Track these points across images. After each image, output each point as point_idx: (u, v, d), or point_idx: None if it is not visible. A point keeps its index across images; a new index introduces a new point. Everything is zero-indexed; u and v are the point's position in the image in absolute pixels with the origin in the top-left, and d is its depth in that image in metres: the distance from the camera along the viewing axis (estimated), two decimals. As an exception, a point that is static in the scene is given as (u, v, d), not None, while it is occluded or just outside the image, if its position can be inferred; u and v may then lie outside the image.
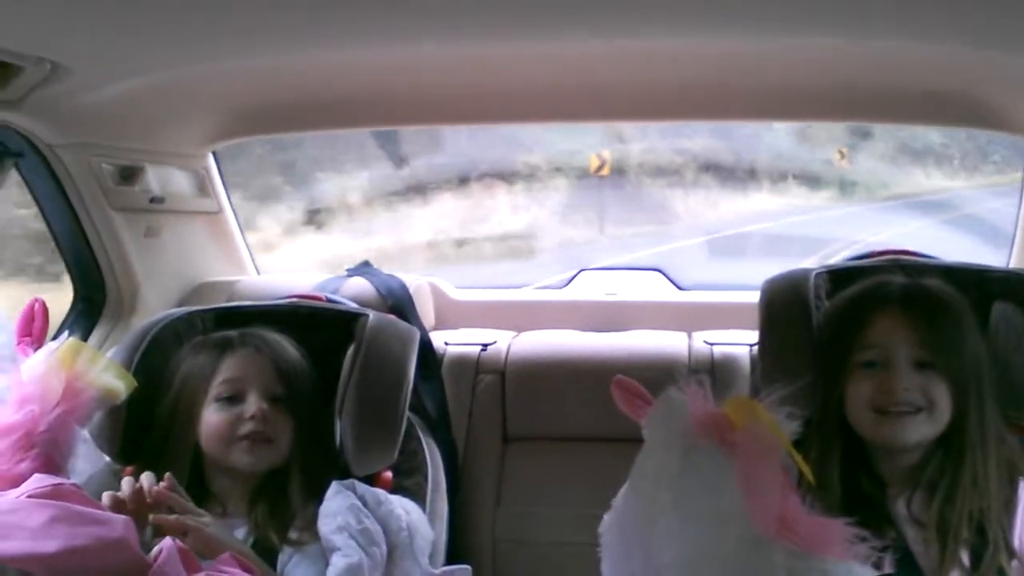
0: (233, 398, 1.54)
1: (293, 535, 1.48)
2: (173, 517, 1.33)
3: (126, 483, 1.36)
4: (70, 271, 2.19)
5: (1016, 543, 1.36)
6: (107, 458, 1.62)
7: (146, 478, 1.37)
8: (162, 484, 1.36)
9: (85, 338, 2.10)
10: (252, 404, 1.53)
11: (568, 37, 1.62)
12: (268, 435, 1.53)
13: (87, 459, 1.47)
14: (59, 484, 1.21)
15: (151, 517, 1.33)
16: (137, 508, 1.32)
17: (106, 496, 1.32)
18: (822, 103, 2.09)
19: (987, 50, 1.59)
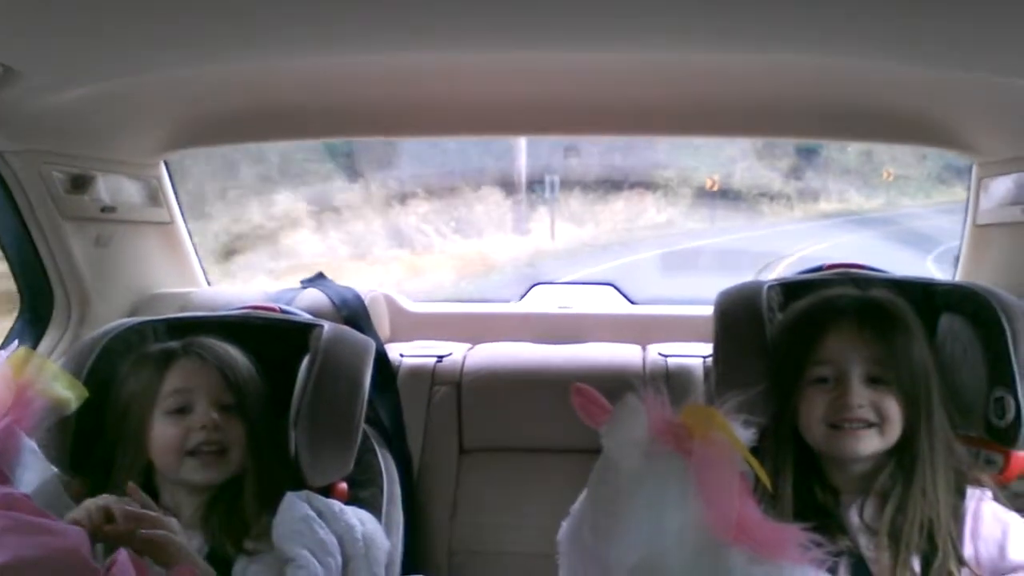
0: (182, 410, 1.52)
1: (248, 544, 1.47)
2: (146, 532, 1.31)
3: (93, 504, 1.32)
4: (17, 280, 2.14)
5: (965, 551, 1.39)
6: (54, 469, 1.58)
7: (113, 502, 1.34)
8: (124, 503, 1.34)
9: (33, 349, 2.05)
10: (201, 414, 1.51)
11: (532, 49, 1.62)
12: (221, 444, 1.51)
13: (35, 470, 1.44)
14: (8, 494, 1.18)
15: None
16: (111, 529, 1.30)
17: (80, 513, 1.30)
18: (774, 120, 2.13)
19: (939, 70, 1.63)
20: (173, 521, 1.35)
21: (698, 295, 2.35)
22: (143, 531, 1.30)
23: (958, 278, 2.25)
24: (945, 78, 1.71)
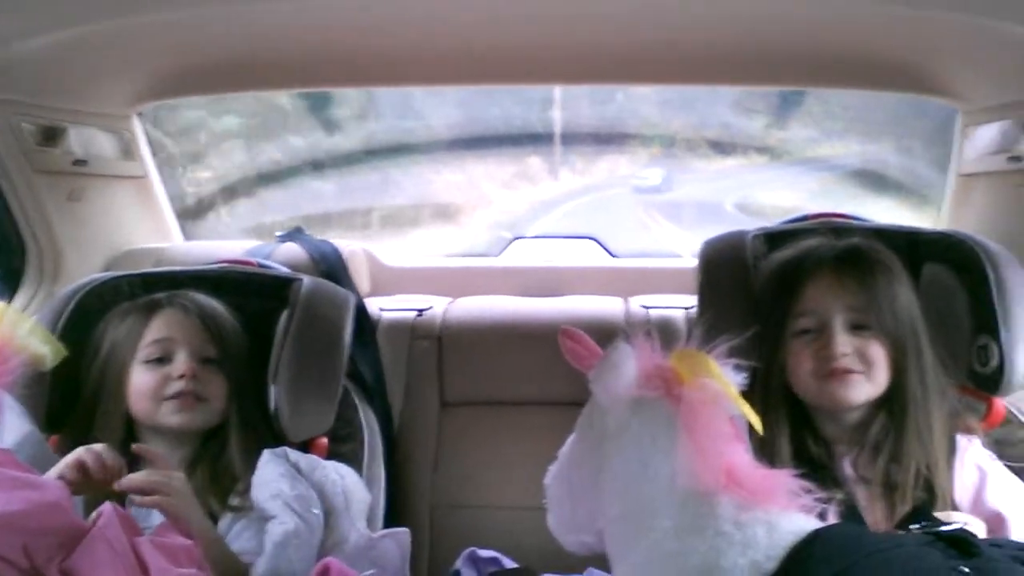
0: (162, 359, 1.51)
1: (234, 501, 1.46)
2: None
3: (87, 454, 1.32)
4: (-12, 235, 2.11)
5: (956, 496, 1.39)
6: (31, 426, 1.56)
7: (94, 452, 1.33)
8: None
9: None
10: (181, 363, 1.50)
11: None
12: (199, 394, 1.50)
13: (14, 426, 1.42)
14: (-12, 449, 1.17)
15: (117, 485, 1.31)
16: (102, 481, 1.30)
17: (67, 471, 1.30)
18: (756, 68, 2.10)
19: (922, 11, 1.61)
20: (177, 476, 1.35)
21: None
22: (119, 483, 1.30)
23: (941, 227, 2.24)
24: (929, 23, 1.69)
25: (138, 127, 2.36)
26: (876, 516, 1.36)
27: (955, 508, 1.38)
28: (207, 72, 2.11)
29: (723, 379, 1.12)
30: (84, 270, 2.11)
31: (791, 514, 1.11)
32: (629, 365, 1.16)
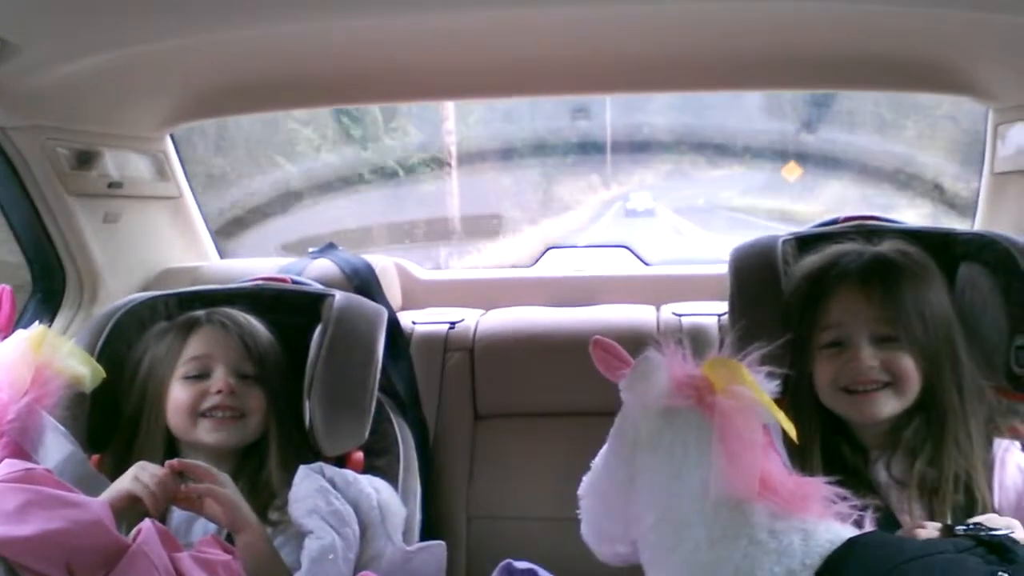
0: (200, 376, 1.54)
1: (273, 516, 1.47)
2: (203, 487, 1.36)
3: (143, 470, 1.35)
4: (27, 259, 2.14)
5: (995, 502, 1.37)
6: (73, 446, 1.58)
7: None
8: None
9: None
10: (218, 379, 1.53)
11: (544, 6, 1.60)
12: (238, 409, 1.52)
13: (57, 447, 1.44)
14: (31, 469, 1.19)
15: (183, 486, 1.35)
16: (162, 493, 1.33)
17: (136, 488, 1.32)
18: (791, 72, 2.09)
19: (951, 11, 1.60)
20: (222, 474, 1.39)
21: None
22: (191, 487, 1.34)
23: (976, 227, 2.22)
24: (958, 21, 1.67)
25: (171, 148, 2.40)
26: (914, 518, 1.33)
27: (996, 513, 1.36)
28: (238, 92, 2.14)
29: (756, 387, 1.11)
30: (122, 291, 2.15)
31: (827, 522, 1.11)
32: (660, 374, 1.16)
